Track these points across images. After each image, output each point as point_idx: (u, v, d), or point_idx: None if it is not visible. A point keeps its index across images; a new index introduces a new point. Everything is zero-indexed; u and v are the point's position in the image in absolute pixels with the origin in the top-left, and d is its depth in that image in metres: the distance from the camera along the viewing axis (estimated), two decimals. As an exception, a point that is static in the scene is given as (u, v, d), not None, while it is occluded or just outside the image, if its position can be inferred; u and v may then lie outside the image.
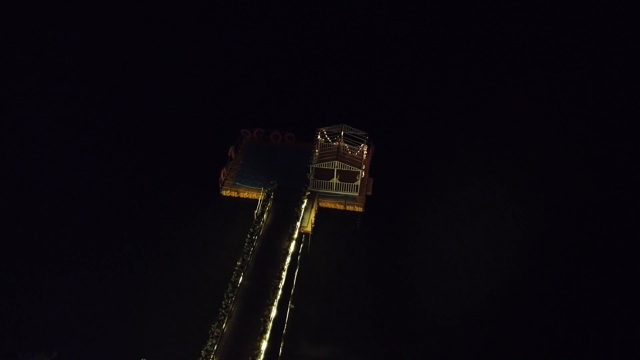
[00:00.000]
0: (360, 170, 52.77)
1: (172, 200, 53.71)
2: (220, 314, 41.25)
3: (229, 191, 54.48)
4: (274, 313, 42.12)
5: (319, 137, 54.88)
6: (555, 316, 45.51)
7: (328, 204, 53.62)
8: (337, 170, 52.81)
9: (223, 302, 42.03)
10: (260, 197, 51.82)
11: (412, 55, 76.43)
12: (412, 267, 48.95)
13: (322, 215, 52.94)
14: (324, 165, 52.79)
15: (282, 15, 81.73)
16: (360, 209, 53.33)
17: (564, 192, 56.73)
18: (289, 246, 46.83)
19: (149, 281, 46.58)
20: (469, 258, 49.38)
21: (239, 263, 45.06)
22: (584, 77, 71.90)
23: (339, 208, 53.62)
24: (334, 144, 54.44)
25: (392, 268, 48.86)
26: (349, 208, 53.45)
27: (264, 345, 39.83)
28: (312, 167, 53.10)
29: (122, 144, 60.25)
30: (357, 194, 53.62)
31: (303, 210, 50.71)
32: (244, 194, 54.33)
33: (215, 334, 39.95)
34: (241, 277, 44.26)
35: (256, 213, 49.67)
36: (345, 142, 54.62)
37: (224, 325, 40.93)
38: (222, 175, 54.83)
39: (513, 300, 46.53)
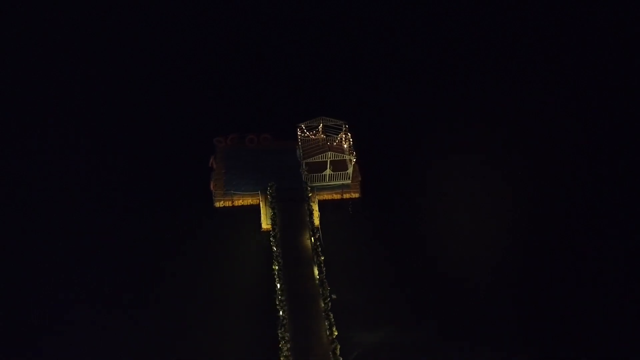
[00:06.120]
0: (353, 158, 54.16)
1: (169, 222, 51.35)
2: (282, 317, 41.28)
3: (222, 201, 53.36)
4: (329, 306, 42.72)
5: (299, 133, 55.59)
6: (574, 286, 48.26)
7: (325, 196, 54.27)
8: (330, 161, 53.78)
9: (279, 308, 42.01)
10: (262, 200, 51.88)
11: (373, 40, 76.49)
12: (425, 241, 50.90)
13: (322, 207, 53.05)
14: (318, 158, 53.47)
15: (236, 17, 78.50)
16: (357, 195, 54.68)
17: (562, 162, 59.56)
18: (316, 240, 47.19)
19: (182, 306, 45.23)
20: (476, 224, 52.04)
21: (275, 267, 45.10)
22: (572, 67, 73.39)
23: (335, 198, 54.68)
24: (313, 137, 55.42)
25: (407, 245, 50.52)
26: (346, 196, 54.72)
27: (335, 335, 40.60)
28: (304, 163, 53.49)
29: (97, 167, 57.09)
30: (350, 181, 54.89)
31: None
32: (239, 202, 53.54)
33: (285, 338, 40.00)
34: (282, 280, 44.36)
35: (270, 216, 49.52)
36: (324, 134, 55.77)
37: (286, 329, 40.98)
38: (212, 187, 53.75)
39: (531, 260, 49.68)
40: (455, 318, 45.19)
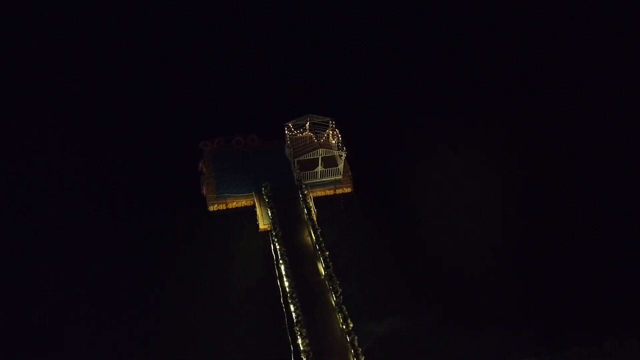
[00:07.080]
0: (344, 153, 54.43)
1: (167, 224, 51.64)
2: (296, 314, 41.79)
3: (216, 205, 53.47)
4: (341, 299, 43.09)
5: (287, 131, 55.85)
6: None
7: (318, 193, 54.79)
8: (321, 157, 54.13)
9: (291, 305, 42.41)
10: (257, 201, 52.01)
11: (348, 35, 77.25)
12: (421, 233, 51.45)
13: (316, 203, 53.20)
14: (309, 156, 53.88)
15: (220, 21, 79.15)
16: (349, 190, 55.12)
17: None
18: (318, 237, 47.46)
19: (183, 307, 45.61)
20: (467, 211, 53.03)
21: (282, 266, 45.20)
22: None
23: (329, 194, 55.12)
24: (300, 135, 55.83)
25: (403, 237, 51.07)
26: (339, 191, 55.15)
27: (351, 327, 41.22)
28: (295, 161, 53.93)
29: (95, 168, 57.39)
30: (341, 177, 55.33)
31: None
32: (233, 204, 53.72)
33: (303, 334, 40.40)
34: (290, 279, 44.66)
35: (270, 216, 49.68)
36: (311, 131, 56.17)
37: (302, 325, 41.33)
38: (204, 191, 53.81)
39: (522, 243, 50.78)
40: (456, 305, 45.80)
